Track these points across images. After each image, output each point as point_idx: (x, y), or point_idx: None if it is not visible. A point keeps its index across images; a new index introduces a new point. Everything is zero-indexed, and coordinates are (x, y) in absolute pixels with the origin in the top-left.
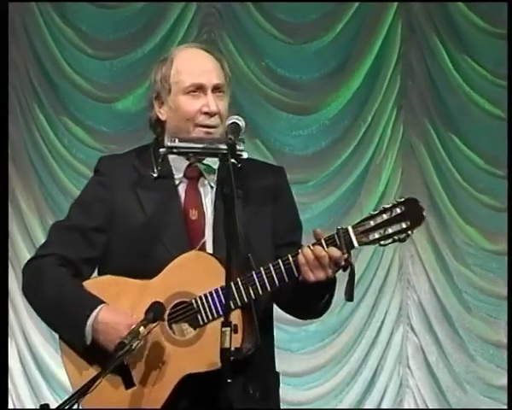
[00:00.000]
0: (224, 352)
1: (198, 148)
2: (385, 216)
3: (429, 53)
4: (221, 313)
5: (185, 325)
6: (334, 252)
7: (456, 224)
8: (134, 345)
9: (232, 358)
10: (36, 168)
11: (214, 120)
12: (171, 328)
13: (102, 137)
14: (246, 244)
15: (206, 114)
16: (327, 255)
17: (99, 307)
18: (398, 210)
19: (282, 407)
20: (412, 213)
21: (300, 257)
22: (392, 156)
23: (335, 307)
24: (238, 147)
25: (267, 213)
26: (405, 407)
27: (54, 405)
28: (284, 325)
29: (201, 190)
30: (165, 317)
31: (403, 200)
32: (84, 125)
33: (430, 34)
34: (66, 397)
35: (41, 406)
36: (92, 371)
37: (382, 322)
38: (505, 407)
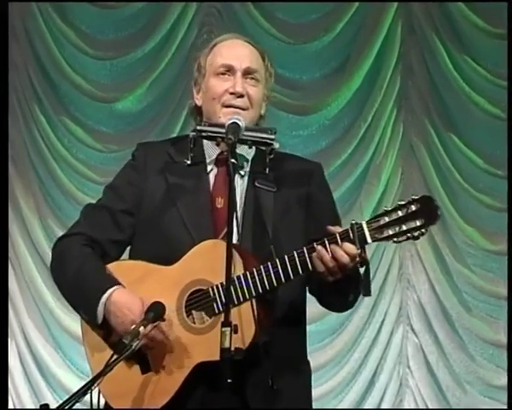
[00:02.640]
0: (224, 352)
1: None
2: (400, 213)
3: (429, 53)
4: (235, 302)
5: (202, 313)
6: (350, 249)
7: (456, 224)
8: (134, 345)
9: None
10: (36, 168)
11: (242, 102)
12: (189, 315)
13: (102, 137)
14: (274, 238)
15: (232, 94)
16: (344, 254)
17: (113, 288)
18: (414, 207)
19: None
20: (427, 210)
21: (315, 256)
22: (392, 156)
23: None
24: (269, 136)
25: (299, 208)
26: (405, 407)
27: (54, 405)
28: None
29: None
30: (183, 304)
31: (418, 197)
32: (84, 125)
33: (430, 34)
34: (67, 397)
35: (41, 406)
36: (108, 354)
37: (382, 322)
38: (505, 406)
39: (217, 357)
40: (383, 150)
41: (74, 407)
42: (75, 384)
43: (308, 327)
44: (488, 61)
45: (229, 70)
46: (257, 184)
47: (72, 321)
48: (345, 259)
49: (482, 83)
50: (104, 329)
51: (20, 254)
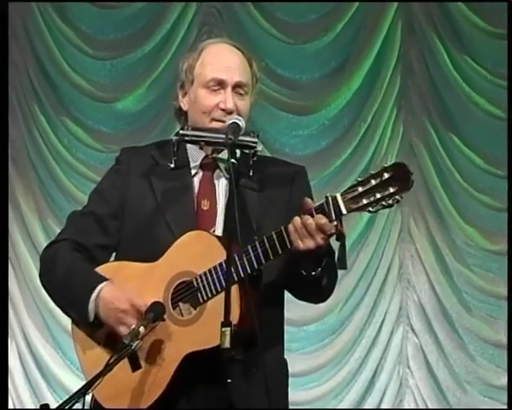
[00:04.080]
0: (224, 352)
1: (209, 137)
2: (373, 182)
3: (429, 53)
4: (219, 289)
5: (188, 304)
6: (320, 219)
7: (456, 224)
8: (134, 345)
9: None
10: (36, 168)
11: (231, 118)
12: (175, 308)
13: (102, 137)
14: (259, 236)
15: (222, 110)
16: (313, 222)
17: (102, 284)
18: (386, 175)
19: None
20: (400, 177)
21: (290, 226)
22: (392, 156)
23: (335, 307)
24: (252, 139)
25: (282, 206)
26: (405, 407)
27: (54, 405)
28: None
29: (216, 181)
30: (169, 297)
31: (390, 164)
32: (84, 125)
33: (430, 34)
34: (67, 397)
35: (41, 406)
36: (100, 352)
37: (382, 322)
38: (505, 406)
39: (203, 346)
40: (383, 150)
41: (74, 407)
42: (75, 384)
43: (308, 327)
44: (488, 61)
45: (220, 84)
46: (240, 184)
47: None
48: (318, 231)
49: (482, 83)
50: (95, 326)
51: (20, 254)
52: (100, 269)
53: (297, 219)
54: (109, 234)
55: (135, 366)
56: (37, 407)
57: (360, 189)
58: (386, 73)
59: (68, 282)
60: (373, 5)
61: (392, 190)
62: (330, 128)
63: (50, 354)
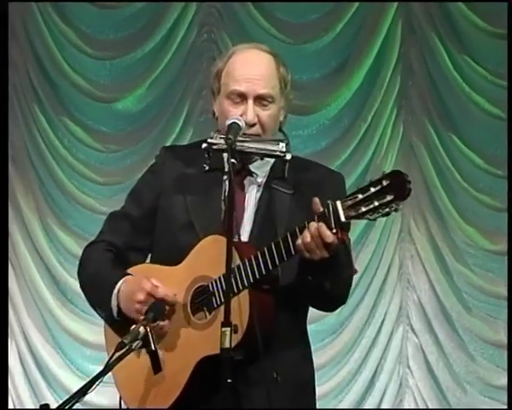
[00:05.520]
0: (224, 352)
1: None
2: (372, 189)
3: (429, 53)
4: (234, 292)
5: (205, 309)
6: (323, 230)
7: (456, 224)
8: (134, 345)
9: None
10: (36, 168)
11: (254, 130)
12: (194, 312)
13: (102, 137)
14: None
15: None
16: (318, 235)
17: (123, 279)
18: (385, 182)
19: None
20: (397, 185)
21: (298, 240)
22: (392, 156)
23: None
24: (281, 149)
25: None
26: (405, 407)
27: (54, 405)
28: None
29: (246, 186)
30: (189, 301)
31: (390, 172)
32: (84, 125)
33: (430, 34)
34: (67, 397)
35: (41, 406)
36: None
37: (382, 322)
38: (505, 406)
39: (217, 351)
40: (383, 150)
41: (74, 407)
42: (75, 384)
43: (308, 327)
44: (488, 61)
45: (240, 96)
46: (273, 185)
47: (72, 321)
48: (321, 238)
49: (482, 83)
50: (122, 323)
51: (20, 254)
52: (129, 270)
53: (306, 234)
54: (143, 236)
55: (157, 368)
56: (37, 407)
57: (360, 196)
58: (386, 72)
59: (96, 281)
60: (373, 5)
61: (388, 198)
62: (330, 128)
63: (50, 354)
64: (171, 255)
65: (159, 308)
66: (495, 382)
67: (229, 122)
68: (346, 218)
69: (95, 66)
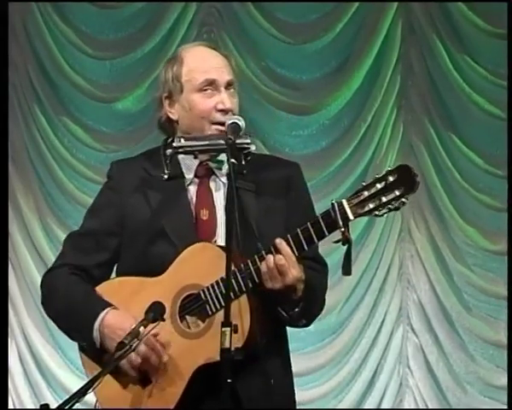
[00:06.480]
0: (224, 352)
1: (204, 145)
2: (378, 185)
3: (429, 53)
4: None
5: (196, 317)
6: (279, 260)
7: (456, 224)
8: (134, 345)
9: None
10: (36, 168)
11: (229, 117)
12: (183, 321)
13: (102, 137)
14: (259, 237)
15: (221, 111)
16: (275, 264)
17: (105, 311)
18: (391, 178)
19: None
20: (405, 179)
21: (262, 265)
22: (392, 156)
23: (335, 307)
24: (245, 140)
25: (280, 206)
26: (405, 407)
27: (54, 405)
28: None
29: (213, 188)
30: (177, 311)
31: (395, 167)
32: (84, 125)
33: (430, 34)
34: (67, 397)
35: (41, 406)
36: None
37: (382, 322)
38: (505, 406)
39: (216, 358)
40: (383, 150)
41: (74, 407)
42: (75, 384)
43: (308, 327)
44: (488, 61)
45: (212, 84)
46: (236, 185)
47: None
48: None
49: (482, 83)
50: (103, 352)
51: (20, 254)
52: (101, 288)
53: (270, 258)
54: (107, 251)
55: (145, 381)
56: (37, 407)
57: (366, 193)
58: (386, 72)
59: (70, 310)
60: (373, 5)
61: (398, 192)
62: (330, 128)
63: (50, 354)
64: (142, 265)
65: (159, 308)
66: (495, 382)
67: (229, 122)
68: (354, 216)
69: (95, 66)
